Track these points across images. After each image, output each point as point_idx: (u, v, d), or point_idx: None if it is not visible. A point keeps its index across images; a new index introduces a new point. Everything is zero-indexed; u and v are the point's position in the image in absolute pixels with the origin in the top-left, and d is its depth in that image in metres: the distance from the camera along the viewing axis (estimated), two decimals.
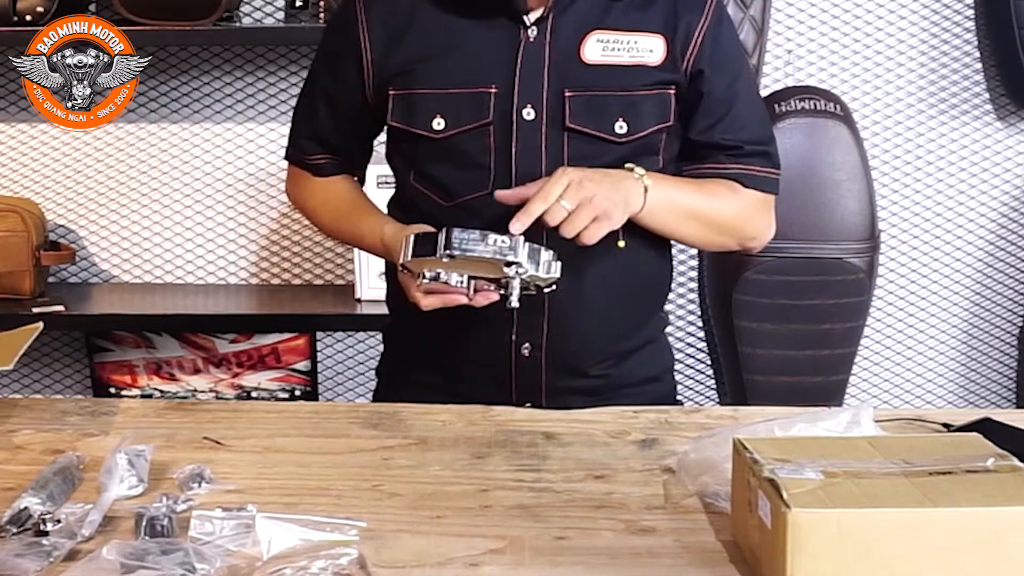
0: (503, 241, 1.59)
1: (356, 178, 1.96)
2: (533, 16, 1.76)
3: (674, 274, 1.97)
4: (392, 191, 1.93)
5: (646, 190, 1.71)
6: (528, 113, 1.75)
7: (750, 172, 1.82)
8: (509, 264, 1.59)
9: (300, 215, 3.02)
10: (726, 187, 1.82)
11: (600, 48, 1.75)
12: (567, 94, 1.74)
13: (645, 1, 1.78)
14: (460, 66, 1.76)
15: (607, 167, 1.74)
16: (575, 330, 1.76)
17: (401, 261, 1.65)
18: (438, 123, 1.76)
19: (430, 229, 1.66)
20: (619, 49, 1.75)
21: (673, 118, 1.78)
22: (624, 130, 1.75)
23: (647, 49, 1.76)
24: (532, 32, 1.76)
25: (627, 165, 1.73)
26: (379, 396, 1.99)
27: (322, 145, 1.91)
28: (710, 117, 1.80)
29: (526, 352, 1.80)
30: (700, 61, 1.78)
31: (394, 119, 1.80)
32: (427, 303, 1.65)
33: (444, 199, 1.78)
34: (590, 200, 1.62)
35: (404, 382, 1.91)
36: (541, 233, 1.64)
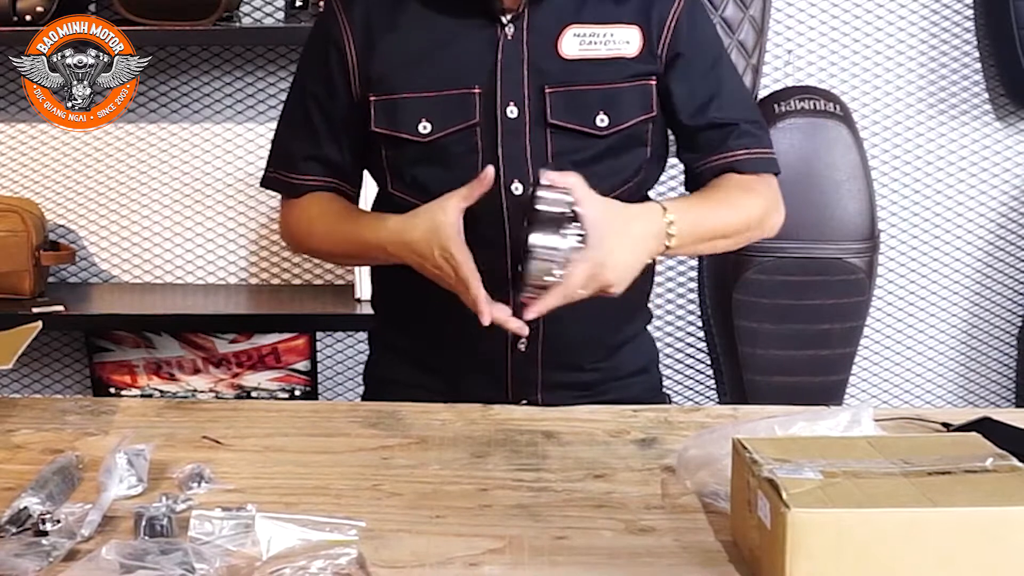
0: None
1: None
2: (509, 14, 1.76)
3: (655, 269, 1.98)
4: None
5: (668, 238, 1.69)
6: (511, 111, 1.75)
7: (756, 155, 1.82)
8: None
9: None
10: (742, 190, 1.81)
11: (577, 42, 1.76)
12: (547, 90, 1.75)
13: None
14: (442, 68, 1.77)
15: (592, 160, 1.75)
16: (569, 326, 1.76)
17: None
18: (424, 127, 1.77)
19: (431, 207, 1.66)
20: (596, 43, 1.76)
21: (656, 108, 1.80)
22: (606, 123, 1.76)
23: (623, 41, 1.77)
24: (509, 30, 1.76)
25: (665, 208, 1.69)
26: (369, 400, 1.96)
27: (320, 163, 1.85)
28: (698, 99, 1.81)
29: (522, 348, 1.80)
30: (676, 45, 1.79)
31: (377, 125, 1.79)
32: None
33: (427, 201, 1.77)
34: (606, 288, 1.62)
35: (397, 384, 1.90)
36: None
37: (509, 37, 1.76)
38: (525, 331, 1.66)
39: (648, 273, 1.90)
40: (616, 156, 1.79)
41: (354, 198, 1.90)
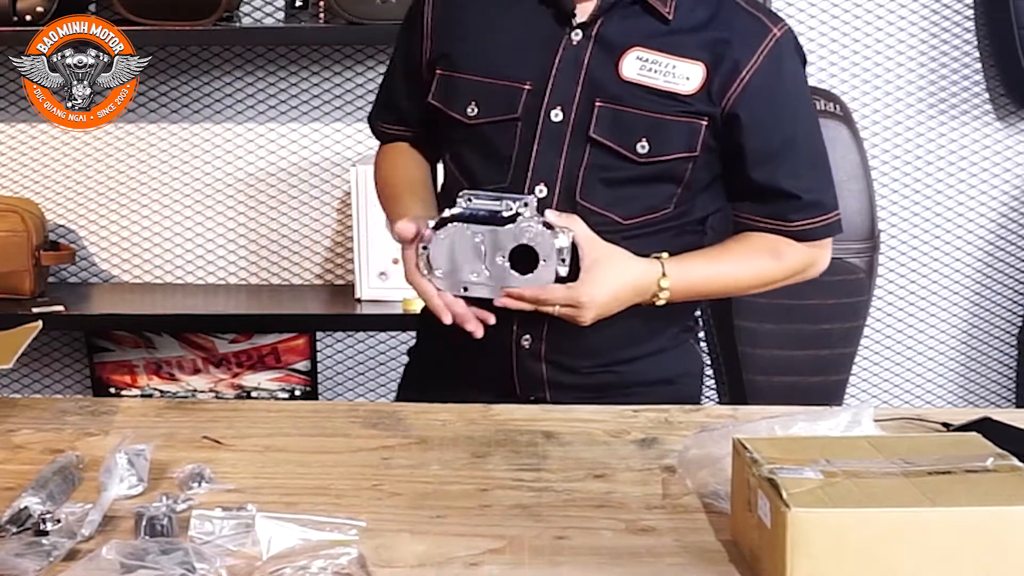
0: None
1: (427, 158, 1.98)
2: (579, 18, 1.76)
3: None
4: None
5: (656, 298, 1.73)
6: (556, 115, 1.75)
7: (810, 226, 1.82)
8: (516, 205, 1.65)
9: (300, 214, 3.04)
10: (768, 254, 1.81)
11: (638, 66, 1.74)
12: (597, 103, 1.74)
13: (695, 27, 1.75)
14: (500, 57, 1.78)
15: (623, 182, 1.75)
16: (573, 330, 1.76)
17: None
18: (472, 109, 1.79)
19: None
20: (656, 71, 1.74)
21: (700, 149, 1.75)
22: (645, 151, 1.74)
23: (684, 76, 1.74)
24: (576, 36, 1.76)
25: (665, 273, 1.72)
26: (406, 377, 2.02)
27: (395, 114, 1.96)
28: (770, 157, 1.78)
29: (526, 344, 1.80)
30: (744, 102, 1.74)
31: (434, 98, 1.83)
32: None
33: (469, 184, 1.79)
34: (574, 319, 1.68)
35: (429, 367, 1.94)
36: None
37: (574, 43, 1.76)
38: (479, 333, 1.69)
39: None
40: (648, 185, 1.77)
41: (431, 149, 1.97)
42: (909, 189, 3.03)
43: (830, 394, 2.82)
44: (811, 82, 2.94)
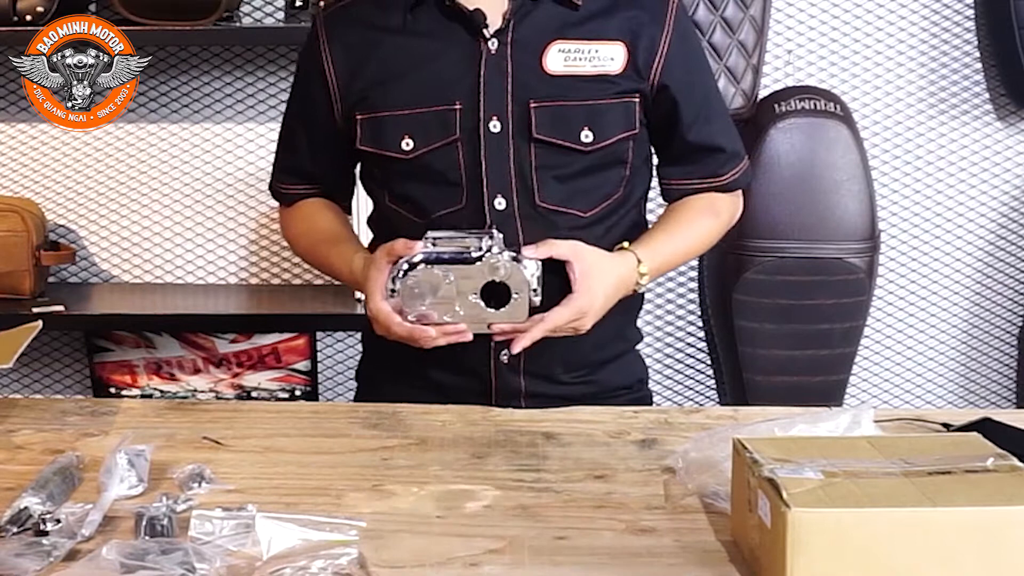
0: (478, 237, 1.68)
1: (340, 206, 1.99)
2: (492, 28, 1.77)
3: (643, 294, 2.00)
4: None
5: (638, 285, 1.78)
6: (494, 125, 1.76)
7: (735, 176, 1.89)
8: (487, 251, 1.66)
9: None
10: (709, 214, 1.88)
11: (562, 58, 1.77)
12: (532, 105, 1.75)
13: (605, 9, 1.79)
14: (424, 85, 1.78)
15: (575, 175, 1.77)
16: (553, 338, 1.77)
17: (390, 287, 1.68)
18: (407, 143, 1.78)
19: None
20: (581, 59, 1.77)
21: (638, 126, 1.80)
22: (590, 139, 1.77)
23: (608, 57, 1.77)
24: (493, 44, 1.77)
25: (640, 260, 1.77)
26: (360, 400, 1.98)
27: (300, 176, 1.94)
28: (699, 120, 1.84)
29: (505, 359, 1.80)
30: (668, 70, 1.80)
31: (363, 143, 1.82)
32: (433, 342, 1.68)
33: (419, 216, 1.79)
34: (577, 330, 1.72)
35: (384, 386, 1.91)
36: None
37: (492, 51, 1.77)
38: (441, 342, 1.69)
39: (635, 298, 1.91)
40: (598, 172, 1.80)
41: (344, 202, 1.99)
42: (909, 189, 3.03)
43: (830, 394, 2.82)
44: (811, 82, 2.95)
